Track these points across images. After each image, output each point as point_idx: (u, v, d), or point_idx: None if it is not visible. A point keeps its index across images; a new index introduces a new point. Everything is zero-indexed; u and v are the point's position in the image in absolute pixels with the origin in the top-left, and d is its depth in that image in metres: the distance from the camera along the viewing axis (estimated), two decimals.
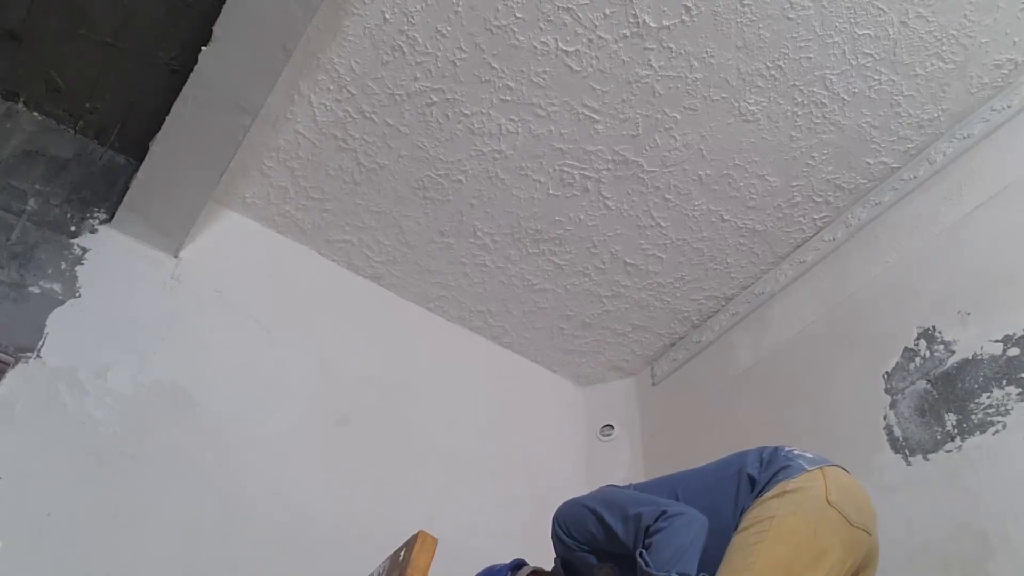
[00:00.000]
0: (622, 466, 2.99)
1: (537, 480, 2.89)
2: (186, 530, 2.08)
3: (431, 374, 2.86)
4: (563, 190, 2.61)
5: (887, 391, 2.30)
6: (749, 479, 1.56)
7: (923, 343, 2.25)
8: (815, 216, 2.70)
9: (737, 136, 2.45)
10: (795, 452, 1.59)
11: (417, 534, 1.61)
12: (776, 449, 1.62)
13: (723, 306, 3.00)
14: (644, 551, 1.44)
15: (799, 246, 2.80)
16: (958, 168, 2.39)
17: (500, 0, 2.12)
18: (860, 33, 2.18)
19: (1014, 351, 2.01)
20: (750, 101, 2.36)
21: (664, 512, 1.49)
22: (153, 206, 2.34)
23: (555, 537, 1.77)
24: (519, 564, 1.93)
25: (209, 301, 2.46)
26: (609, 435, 3.07)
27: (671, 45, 2.22)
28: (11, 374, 2.03)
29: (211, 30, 1.96)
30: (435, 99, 2.36)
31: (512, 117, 2.40)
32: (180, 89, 2.09)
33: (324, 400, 2.54)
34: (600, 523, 1.62)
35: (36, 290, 2.18)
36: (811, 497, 1.46)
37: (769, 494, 1.49)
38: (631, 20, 2.16)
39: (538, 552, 2.74)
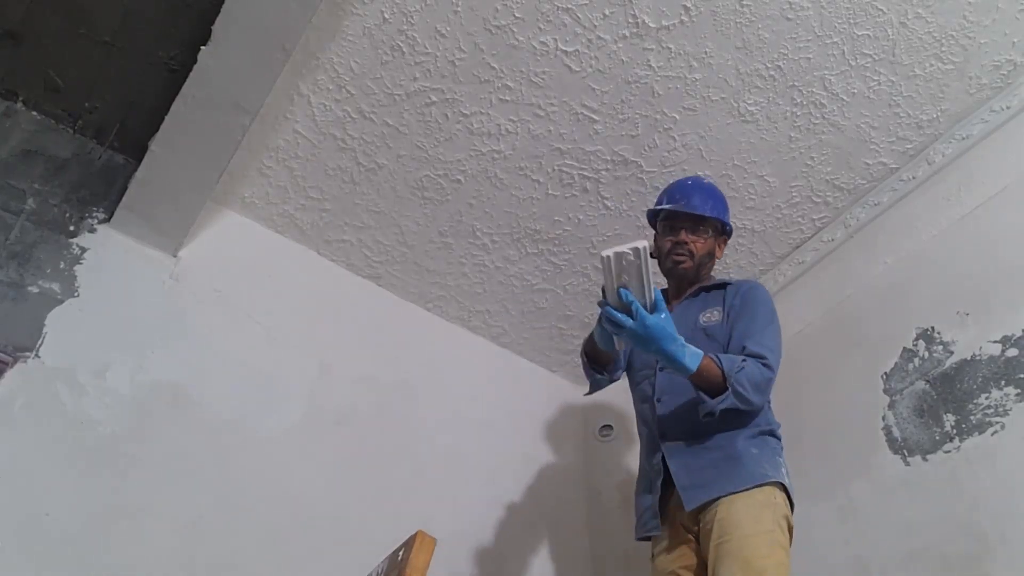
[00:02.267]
0: (621, 466, 2.99)
1: (535, 480, 2.90)
2: (185, 530, 2.08)
3: (430, 374, 2.85)
4: (562, 190, 2.61)
5: (886, 391, 2.31)
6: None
7: (922, 344, 2.26)
8: (814, 216, 2.70)
9: (736, 136, 2.45)
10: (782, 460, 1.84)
11: (416, 534, 1.61)
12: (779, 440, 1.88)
13: None
14: (746, 360, 1.73)
15: (798, 246, 2.80)
16: (957, 169, 2.40)
17: (499, 0, 2.12)
18: (859, 34, 2.18)
19: (1012, 352, 2.01)
20: (749, 101, 2.36)
21: (765, 387, 1.77)
22: (152, 206, 2.33)
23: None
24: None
25: (208, 301, 2.46)
26: (608, 435, 3.07)
27: (670, 45, 2.22)
28: (10, 374, 2.03)
29: (210, 29, 1.96)
30: (434, 99, 2.36)
31: (511, 117, 2.40)
32: (179, 89, 2.09)
33: (323, 400, 2.54)
34: (750, 304, 1.91)
35: (35, 289, 2.18)
36: (786, 516, 1.72)
37: (762, 498, 1.70)
38: (630, 20, 2.16)
39: (537, 553, 2.74)
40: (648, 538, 1.88)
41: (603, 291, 1.62)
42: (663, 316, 1.59)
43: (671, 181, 2.20)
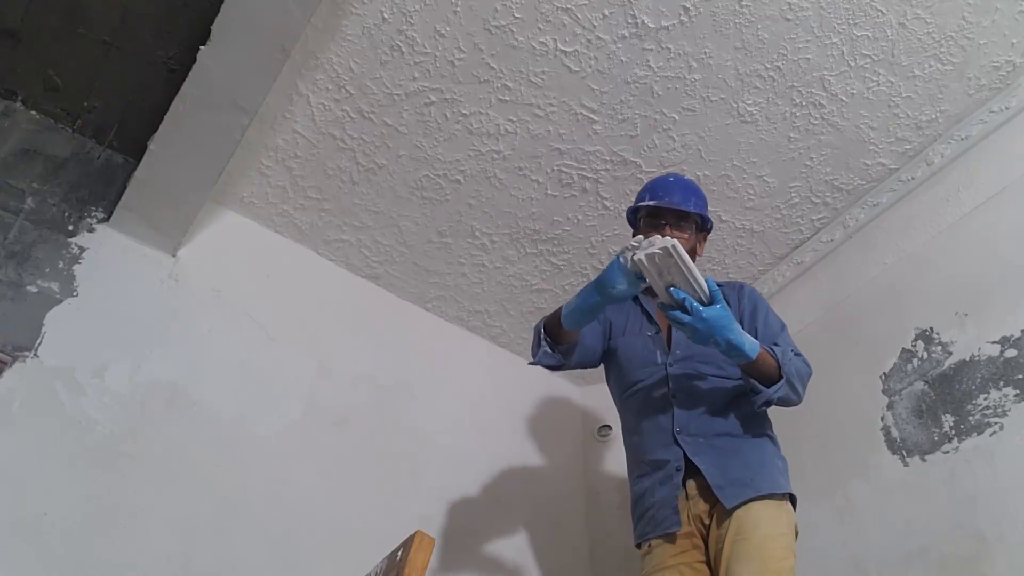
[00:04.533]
0: (620, 467, 2.99)
1: (534, 481, 2.90)
2: (183, 530, 2.08)
3: (429, 374, 2.85)
4: (561, 190, 2.61)
5: (885, 392, 2.31)
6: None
7: (921, 344, 2.26)
8: (813, 217, 2.70)
9: (735, 137, 2.45)
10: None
11: (415, 534, 1.60)
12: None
13: None
14: (792, 359, 1.77)
15: (797, 247, 2.80)
16: (956, 170, 2.40)
17: (499, 0, 2.12)
18: (858, 34, 2.18)
19: (1011, 352, 2.01)
20: (748, 102, 2.36)
21: (807, 382, 1.84)
22: (151, 205, 2.33)
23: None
24: None
25: (207, 301, 2.46)
26: (606, 436, 3.07)
27: (670, 46, 2.22)
28: (8, 373, 2.03)
29: (209, 29, 1.96)
30: (434, 99, 2.36)
31: (511, 117, 2.40)
32: (178, 88, 2.09)
33: (322, 400, 2.53)
34: (762, 305, 1.96)
35: (34, 289, 2.17)
36: (795, 523, 1.77)
37: (779, 503, 1.73)
38: (630, 21, 2.16)
39: (537, 553, 2.74)
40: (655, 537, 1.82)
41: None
42: (719, 307, 1.61)
43: (680, 178, 2.18)
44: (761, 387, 1.72)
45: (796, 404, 1.80)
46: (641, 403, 1.94)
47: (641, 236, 1.65)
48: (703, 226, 2.04)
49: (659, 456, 1.85)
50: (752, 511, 1.68)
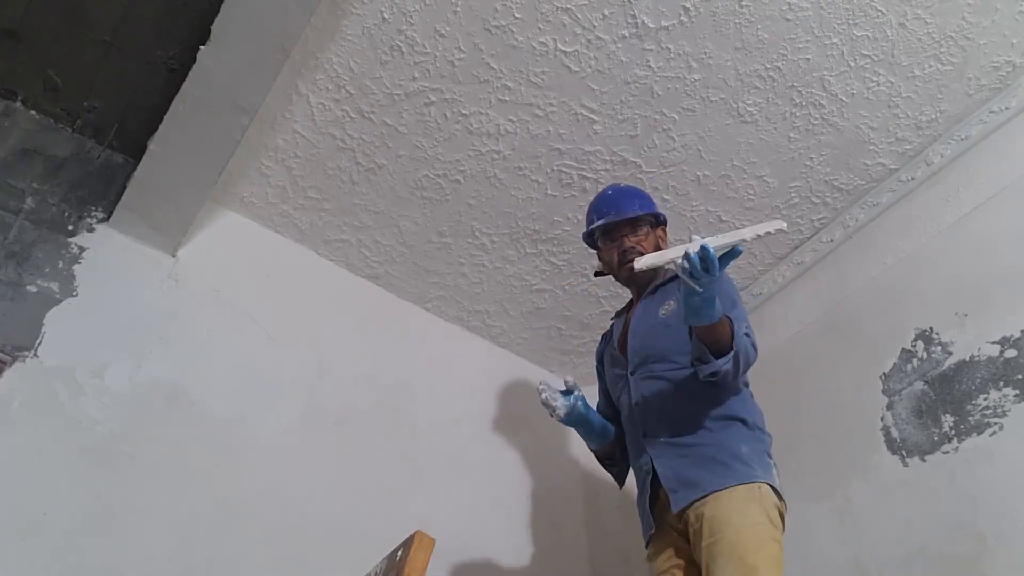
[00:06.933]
0: None
1: (534, 480, 2.89)
2: (183, 530, 2.08)
3: (428, 374, 2.85)
4: (561, 190, 2.61)
5: (884, 392, 2.31)
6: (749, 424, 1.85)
7: (920, 344, 2.26)
8: (813, 217, 2.70)
9: (735, 137, 2.45)
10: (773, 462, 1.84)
11: (414, 534, 1.61)
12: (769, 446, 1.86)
13: None
14: (742, 338, 1.72)
15: (797, 247, 2.80)
16: (956, 170, 2.40)
17: (499, 0, 2.12)
18: (858, 35, 2.18)
19: (1011, 353, 2.01)
20: (748, 102, 2.36)
21: (749, 365, 1.80)
22: (151, 205, 2.33)
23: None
24: None
25: (207, 301, 2.46)
26: None
27: (670, 46, 2.22)
28: (8, 373, 2.03)
29: (209, 29, 1.96)
30: (433, 99, 2.36)
31: (511, 117, 2.40)
32: (178, 88, 2.09)
33: (321, 400, 2.53)
34: (725, 281, 1.83)
35: (33, 289, 2.17)
36: (775, 505, 1.73)
37: (746, 493, 1.70)
38: (630, 21, 2.16)
39: (536, 553, 2.74)
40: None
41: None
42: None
43: (618, 188, 2.20)
44: (711, 356, 1.69)
45: (731, 385, 1.78)
46: (625, 417, 2.02)
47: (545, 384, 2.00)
48: (657, 222, 2.09)
49: (638, 463, 1.94)
50: (721, 508, 1.67)
